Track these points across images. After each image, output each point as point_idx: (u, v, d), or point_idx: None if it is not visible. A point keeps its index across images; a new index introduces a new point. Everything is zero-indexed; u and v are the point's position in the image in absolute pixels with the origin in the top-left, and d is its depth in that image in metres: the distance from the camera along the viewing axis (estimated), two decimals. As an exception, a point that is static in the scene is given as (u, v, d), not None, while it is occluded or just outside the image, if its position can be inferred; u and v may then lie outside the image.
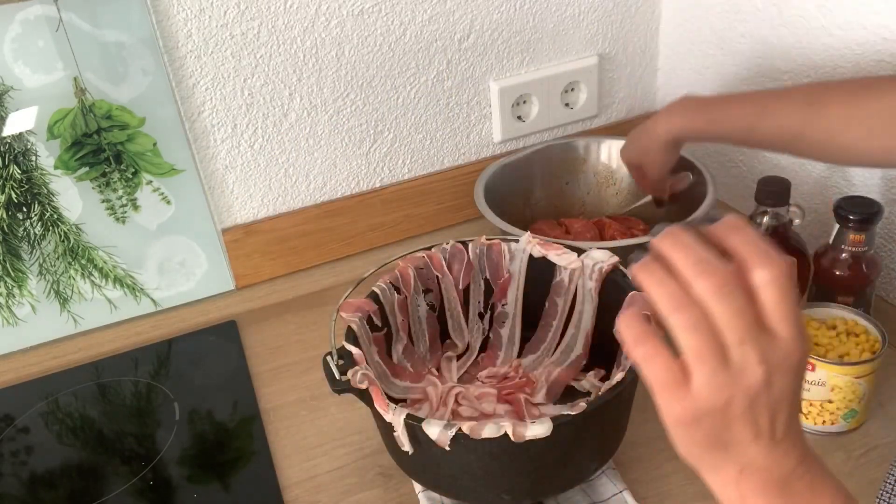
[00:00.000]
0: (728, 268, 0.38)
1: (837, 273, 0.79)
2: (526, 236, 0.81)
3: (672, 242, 0.40)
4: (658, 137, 0.85)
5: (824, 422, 0.73)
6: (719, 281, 0.38)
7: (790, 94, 0.76)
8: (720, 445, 0.41)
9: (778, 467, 0.41)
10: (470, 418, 0.74)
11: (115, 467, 0.78)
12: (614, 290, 0.74)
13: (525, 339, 0.84)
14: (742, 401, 0.39)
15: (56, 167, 0.89)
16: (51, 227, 0.91)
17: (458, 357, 0.83)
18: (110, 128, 0.89)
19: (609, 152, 1.03)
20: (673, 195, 0.95)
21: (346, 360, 0.66)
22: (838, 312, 0.75)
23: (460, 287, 0.82)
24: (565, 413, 0.59)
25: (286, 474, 0.76)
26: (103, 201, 0.92)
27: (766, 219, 0.81)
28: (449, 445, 0.58)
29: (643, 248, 0.42)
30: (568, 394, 0.78)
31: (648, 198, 0.98)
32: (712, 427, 0.40)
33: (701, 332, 0.38)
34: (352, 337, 0.70)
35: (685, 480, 0.70)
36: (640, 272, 0.41)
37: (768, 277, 0.38)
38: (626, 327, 0.42)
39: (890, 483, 0.59)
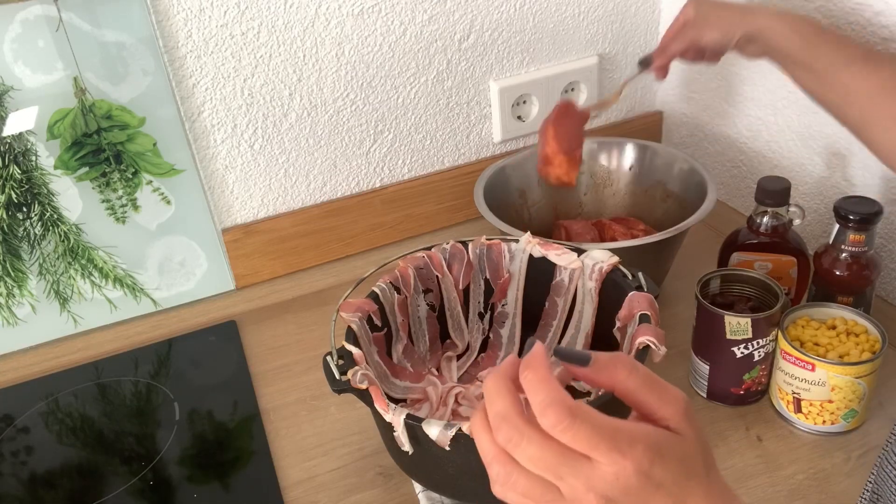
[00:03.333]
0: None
1: (837, 273, 0.79)
2: (526, 236, 0.81)
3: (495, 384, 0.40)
4: (748, 24, 0.75)
5: (824, 422, 0.73)
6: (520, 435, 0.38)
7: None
8: None
9: None
10: (470, 418, 0.74)
11: (115, 467, 0.78)
12: (614, 290, 0.74)
13: (525, 339, 0.83)
14: None
15: (56, 167, 0.89)
16: (51, 227, 0.91)
17: (458, 357, 0.83)
18: (110, 128, 0.89)
19: (607, 153, 1.03)
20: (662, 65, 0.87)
21: (346, 360, 0.66)
22: (838, 312, 0.75)
23: (460, 287, 0.82)
24: (565, 413, 0.59)
25: (286, 474, 0.76)
26: (103, 201, 0.92)
27: (766, 219, 0.81)
28: (449, 445, 0.58)
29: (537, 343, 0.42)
30: (568, 394, 0.78)
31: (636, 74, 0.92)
32: None
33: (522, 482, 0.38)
34: (352, 337, 0.70)
35: (685, 480, 0.70)
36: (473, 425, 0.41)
37: (549, 426, 0.38)
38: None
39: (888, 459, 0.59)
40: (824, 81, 0.70)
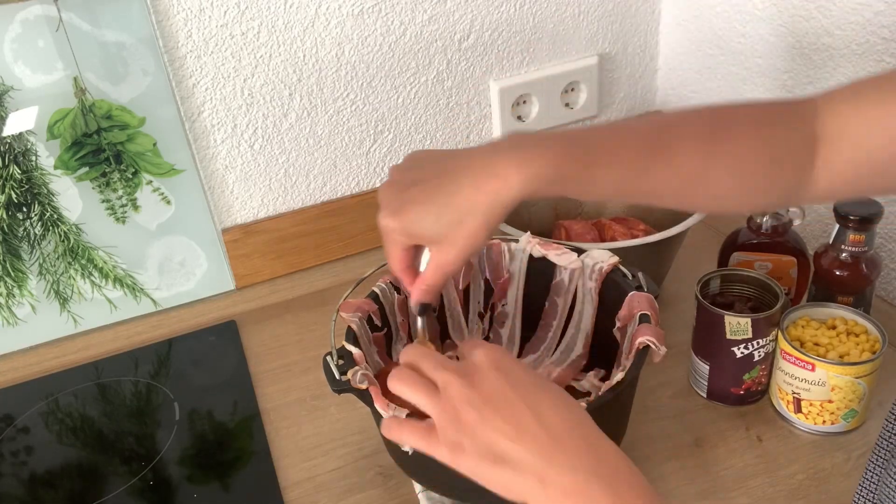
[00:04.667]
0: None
1: (837, 273, 0.79)
2: (526, 236, 0.81)
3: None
4: (493, 197, 0.51)
5: (824, 422, 0.73)
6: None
7: (687, 124, 0.56)
8: (497, 460, 0.45)
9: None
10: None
11: (115, 467, 0.78)
12: (614, 290, 0.74)
13: (525, 339, 0.84)
14: (467, 409, 0.47)
15: (56, 167, 0.89)
16: (51, 227, 0.91)
17: (458, 357, 0.83)
18: (110, 128, 0.89)
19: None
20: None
21: (346, 360, 0.66)
22: (838, 312, 0.75)
23: (460, 287, 0.82)
24: (565, 413, 0.59)
25: (286, 474, 0.76)
26: (103, 201, 0.92)
27: (766, 219, 0.81)
28: (449, 445, 0.58)
29: None
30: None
31: None
32: (474, 445, 0.46)
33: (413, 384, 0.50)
34: (352, 337, 0.70)
35: (685, 480, 0.70)
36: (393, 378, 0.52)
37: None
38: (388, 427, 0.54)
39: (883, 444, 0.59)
40: (630, 198, 0.59)
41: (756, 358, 0.74)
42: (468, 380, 0.48)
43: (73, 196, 0.91)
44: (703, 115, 0.56)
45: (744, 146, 0.53)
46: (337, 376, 0.64)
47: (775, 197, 0.58)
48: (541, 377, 0.50)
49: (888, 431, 0.57)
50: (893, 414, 0.57)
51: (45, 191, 0.89)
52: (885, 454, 0.57)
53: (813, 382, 0.71)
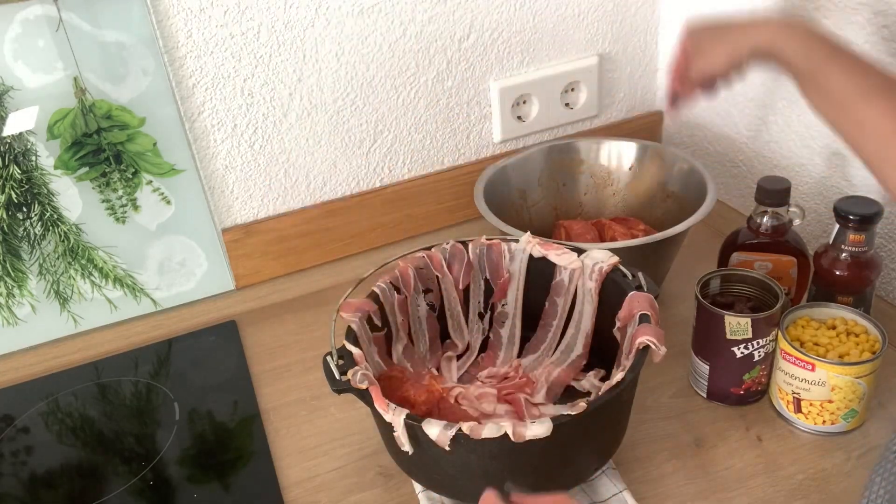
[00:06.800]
0: None
1: (837, 273, 0.79)
2: (526, 236, 0.81)
3: None
4: (755, 41, 0.69)
5: (824, 422, 0.73)
6: None
7: None
8: None
9: None
10: (470, 418, 0.74)
11: (115, 467, 0.78)
12: (614, 290, 0.74)
13: (525, 339, 0.84)
14: None
15: (56, 167, 0.89)
16: (51, 227, 0.91)
17: (458, 357, 0.83)
18: (110, 128, 0.89)
19: (608, 153, 1.03)
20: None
21: (346, 360, 0.66)
22: (838, 312, 0.75)
23: (460, 287, 0.82)
24: (565, 413, 0.59)
25: (286, 474, 0.76)
26: (103, 201, 0.92)
27: (765, 219, 0.81)
28: (449, 445, 0.58)
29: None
30: (568, 394, 0.78)
31: None
32: None
33: None
34: (352, 337, 0.70)
35: (685, 480, 0.70)
36: None
37: None
38: None
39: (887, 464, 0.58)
40: (838, 111, 0.64)
41: (756, 358, 0.74)
42: None
43: (73, 196, 0.91)
44: None
45: None
46: (337, 376, 0.64)
47: None
48: None
49: None
50: None
51: (45, 191, 0.89)
52: None
53: (813, 382, 0.71)
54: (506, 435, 0.57)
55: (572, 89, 1.11)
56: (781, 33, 0.67)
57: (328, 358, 0.66)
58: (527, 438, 0.57)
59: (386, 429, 0.63)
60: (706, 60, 0.74)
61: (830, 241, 0.79)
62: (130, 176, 0.92)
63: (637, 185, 1.02)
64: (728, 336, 0.73)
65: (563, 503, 0.43)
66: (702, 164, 0.94)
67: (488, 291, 0.83)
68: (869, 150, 0.63)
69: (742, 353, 0.73)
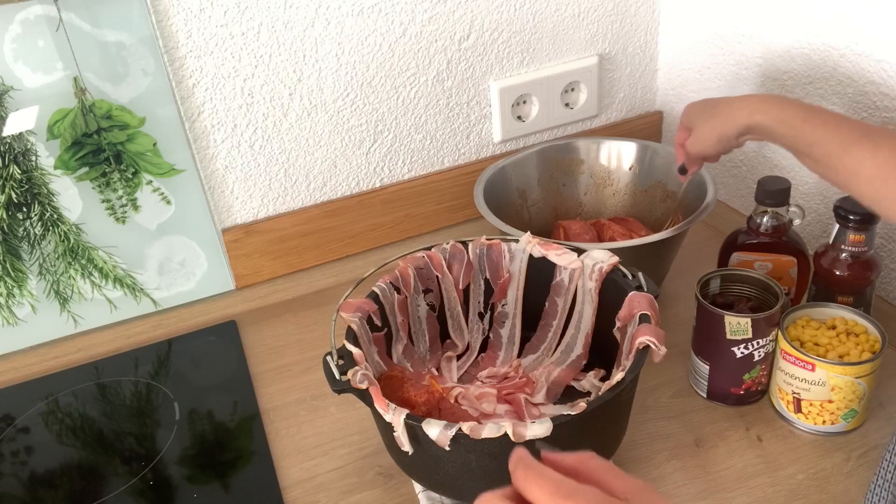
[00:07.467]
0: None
1: (837, 273, 0.79)
2: (526, 236, 0.81)
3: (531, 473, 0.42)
4: (738, 119, 0.74)
5: (824, 422, 0.73)
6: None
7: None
8: None
9: None
10: (470, 418, 0.74)
11: (115, 467, 0.78)
12: (614, 290, 0.74)
13: (525, 339, 0.84)
14: None
15: (56, 167, 0.89)
16: (51, 227, 0.91)
17: (458, 357, 0.83)
18: (110, 128, 0.89)
19: (607, 153, 1.03)
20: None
21: (346, 360, 0.66)
22: (838, 312, 0.75)
23: (460, 287, 0.82)
24: (565, 413, 0.59)
25: (286, 474, 0.76)
26: (103, 201, 0.92)
27: (765, 219, 0.81)
28: (449, 445, 0.58)
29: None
30: (568, 394, 0.78)
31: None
32: None
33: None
34: (352, 337, 0.70)
35: (685, 480, 0.70)
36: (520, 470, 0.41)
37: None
38: None
39: (885, 468, 0.59)
40: (828, 166, 0.67)
41: (756, 358, 0.74)
42: None
43: (73, 196, 0.91)
44: None
45: None
46: (337, 376, 0.64)
47: None
48: None
49: None
50: None
51: (45, 191, 0.89)
52: None
53: (813, 382, 0.71)
54: (506, 435, 0.57)
55: (572, 89, 1.11)
56: (760, 106, 0.72)
57: (328, 358, 0.66)
58: (527, 438, 0.57)
59: (386, 429, 0.63)
60: (699, 141, 0.78)
61: (830, 241, 0.79)
62: (130, 176, 0.92)
63: (637, 185, 1.02)
64: (728, 336, 0.73)
65: (589, 460, 0.44)
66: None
67: (488, 291, 0.83)
68: (867, 194, 0.65)
69: (742, 353, 0.73)
